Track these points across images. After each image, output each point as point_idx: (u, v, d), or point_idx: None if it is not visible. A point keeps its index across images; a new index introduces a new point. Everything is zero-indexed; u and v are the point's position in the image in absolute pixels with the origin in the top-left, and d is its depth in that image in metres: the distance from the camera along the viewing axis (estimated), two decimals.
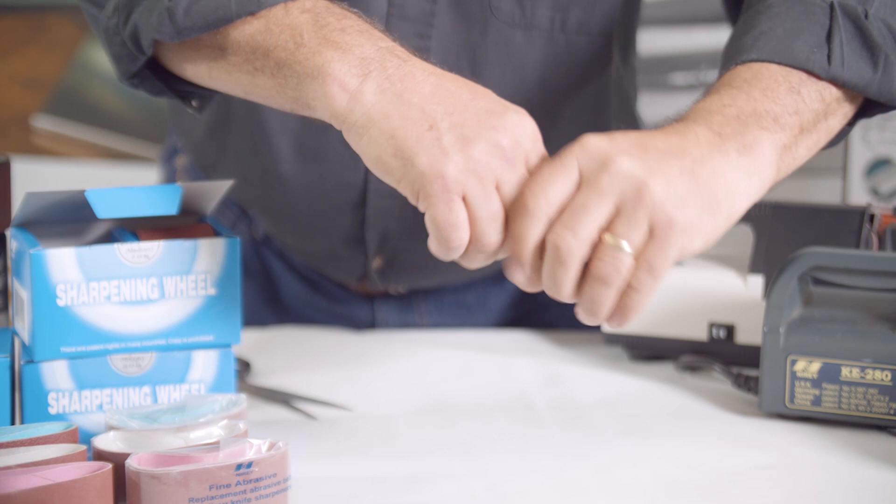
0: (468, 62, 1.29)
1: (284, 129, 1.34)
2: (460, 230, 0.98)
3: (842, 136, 1.14)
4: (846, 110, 1.12)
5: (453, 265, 1.41)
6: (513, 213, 0.98)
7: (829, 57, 1.10)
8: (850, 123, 1.15)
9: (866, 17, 1.13)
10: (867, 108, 1.15)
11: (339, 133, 1.33)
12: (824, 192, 1.97)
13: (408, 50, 1.04)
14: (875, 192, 1.82)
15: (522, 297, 1.46)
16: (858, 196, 1.83)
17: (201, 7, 1.06)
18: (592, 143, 0.97)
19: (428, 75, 1.01)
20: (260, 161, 1.37)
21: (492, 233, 0.98)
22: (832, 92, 1.10)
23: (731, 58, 1.10)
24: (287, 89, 1.05)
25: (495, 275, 1.45)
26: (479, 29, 1.28)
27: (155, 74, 1.14)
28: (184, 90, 1.16)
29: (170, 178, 1.54)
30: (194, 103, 1.17)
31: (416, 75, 1.01)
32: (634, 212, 0.95)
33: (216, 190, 1.11)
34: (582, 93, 1.35)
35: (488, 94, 1.01)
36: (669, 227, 0.95)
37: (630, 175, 0.95)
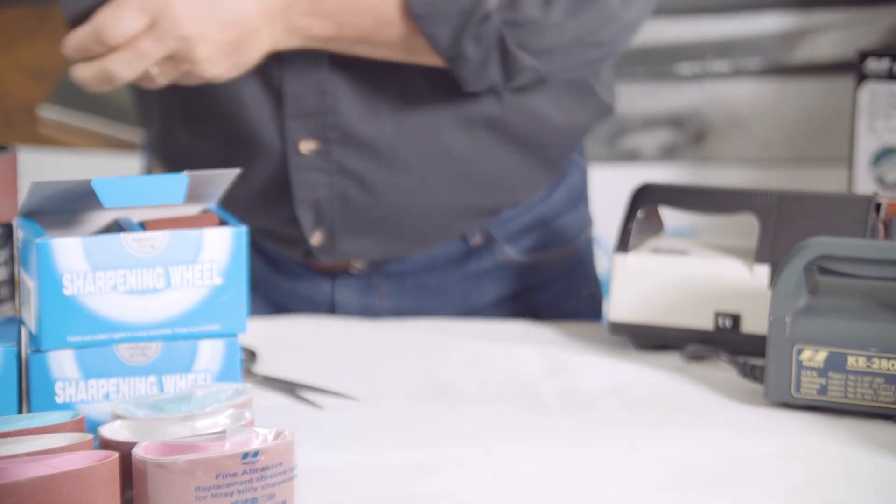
0: None
1: (210, 112, 1.41)
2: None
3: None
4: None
5: (398, 230, 1.43)
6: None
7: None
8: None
9: None
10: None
11: (242, 113, 1.42)
12: (830, 182, 1.97)
13: None
14: (881, 181, 1.81)
15: (482, 284, 1.47)
16: (864, 185, 1.82)
17: None
18: None
19: None
20: (195, 142, 1.43)
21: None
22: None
23: None
24: None
25: (454, 258, 1.46)
26: None
27: None
28: None
29: (147, 166, 1.59)
30: None
31: None
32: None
33: (222, 179, 1.11)
34: None
35: None
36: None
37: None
